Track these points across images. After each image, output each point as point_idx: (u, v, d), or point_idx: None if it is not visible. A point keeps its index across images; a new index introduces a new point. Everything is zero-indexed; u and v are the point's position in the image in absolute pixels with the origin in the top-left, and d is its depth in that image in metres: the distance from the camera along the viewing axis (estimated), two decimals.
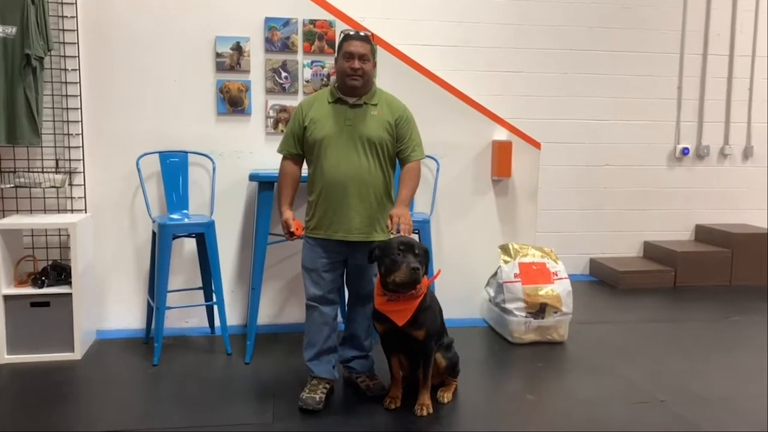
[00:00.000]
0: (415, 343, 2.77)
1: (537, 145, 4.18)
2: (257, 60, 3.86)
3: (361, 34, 2.85)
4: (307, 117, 2.87)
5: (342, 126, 2.82)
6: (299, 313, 3.83)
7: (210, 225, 3.53)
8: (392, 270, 2.61)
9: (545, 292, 3.72)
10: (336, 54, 2.88)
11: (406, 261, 2.58)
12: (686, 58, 5.37)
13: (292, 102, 3.89)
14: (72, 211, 3.72)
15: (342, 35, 2.87)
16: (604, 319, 4.26)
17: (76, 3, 3.61)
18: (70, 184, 3.70)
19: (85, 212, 3.72)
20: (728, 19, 5.41)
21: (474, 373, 3.30)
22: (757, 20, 5.44)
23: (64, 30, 3.60)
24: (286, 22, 3.86)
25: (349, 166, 2.80)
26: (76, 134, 3.68)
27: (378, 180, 2.85)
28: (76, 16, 3.62)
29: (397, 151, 2.92)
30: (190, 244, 3.83)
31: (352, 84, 2.80)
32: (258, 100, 3.88)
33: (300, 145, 2.91)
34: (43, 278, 3.40)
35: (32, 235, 3.69)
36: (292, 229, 2.84)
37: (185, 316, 3.88)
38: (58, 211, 3.71)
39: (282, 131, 3.78)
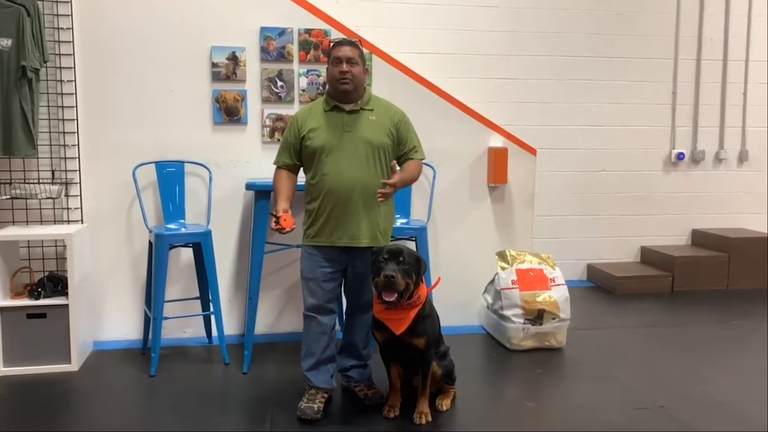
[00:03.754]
0: (415, 351, 2.77)
1: (533, 151, 4.20)
2: (253, 69, 3.87)
3: (350, 40, 2.89)
4: (305, 127, 2.87)
5: (341, 132, 2.83)
6: (297, 322, 3.82)
7: (207, 234, 3.53)
8: (374, 277, 2.67)
9: (543, 298, 3.73)
10: (327, 63, 2.90)
11: (386, 268, 2.61)
12: (680, 63, 5.40)
13: (288, 111, 3.90)
14: (68, 221, 3.71)
15: (331, 44, 2.91)
16: (602, 325, 4.26)
17: (71, 15, 3.61)
18: (66, 195, 3.69)
19: (82, 223, 3.71)
20: (721, 24, 5.44)
21: (472, 380, 3.30)
22: (750, 25, 5.47)
23: (60, 41, 3.61)
24: (282, 32, 3.88)
25: (352, 171, 2.80)
26: (72, 145, 3.68)
27: (379, 184, 2.84)
28: (72, 28, 3.63)
29: (399, 155, 2.94)
30: (186, 254, 3.83)
31: (343, 88, 2.81)
32: (254, 109, 3.89)
33: (297, 156, 2.92)
34: (40, 290, 3.39)
35: (28, 247, 3.68)
36: (279, 215, 2.70)
37: (182, 326, 3.87)
38: (55, 222, 3.70)
39: (278, 140, 3.79)
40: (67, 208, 3.71)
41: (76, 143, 3.69)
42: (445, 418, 2.87)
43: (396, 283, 2.60)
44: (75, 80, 3.66)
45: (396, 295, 2.63)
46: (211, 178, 3.82)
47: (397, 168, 2.89)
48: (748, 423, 2.82)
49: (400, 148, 2.93)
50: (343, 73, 2.78)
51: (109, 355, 3.64)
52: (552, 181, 5.25)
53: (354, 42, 2.88)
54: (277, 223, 2.71)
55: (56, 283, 3.46)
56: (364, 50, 2.96)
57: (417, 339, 2.74)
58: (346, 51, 2.81)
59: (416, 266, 2.71)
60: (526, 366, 3.51)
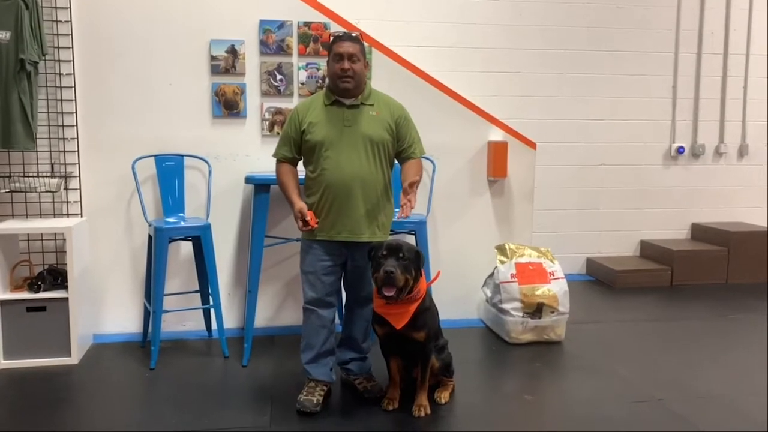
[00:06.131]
0: (415, 345, 2.78)
1: (532, 145, 4.19)
2: (252, 63, 3.86)
3: (351, 34, 2.85)
4: (305, 120, 2.86)
5: (341, 128, 2.82)
6: (296, 316, 3.82)
7: (206, 228, 3.53)
8: (374, 272, 2.69)
9: (542, 291, 3.73)
10: (328, 57, 2.88)
11: (386, 264, 2.62)
12: (681, 57, 5.39)
13: (287, 104, 3.89)
14: (68, 215, 3.71)
15: (331, 37, 2.88)
16: (601, 319, 4.26)
17: (70, 7, 3.60)
18: (66, 189, 3.69)
19: (81, 216, 3.71)
20: (722, 17, 5.42)
21: (471, 373, 3.31)
22: (751, 19, 5.45)
23: (58, 34, 3.60)
24: (281, 25, 3.87)
25: (352, 166, 2.80)
26: (71, 138, 3.68)
27: (379, 179, 2.86)
28: (71, 21, 3.61)
29: (398, 151, 2.94)
30: (186, 248, 3.83)
31: (344, 86, 2.80)
32: (253, 102, 3.88)
33: (296, 149, 2.92)
34: (39, 283, 3.39)
35: (28, 240, 3.68)
36: (307, 218, 2.75)
37: (182, 319, 3.87)
38: (54, 215, 3.70)
39: (278, 133, 3.78)
40: (67, 202, 3.71)
41: (76, 137, 3.68)
42: (444, 410, 2.88)
43: (396, 278, 2.61)
44: (74, 73, 3.65)
45: (395, 290, 2.63)
46: (210, 172, 3.82)
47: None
48: (746, 417, 2.83)
49: (400, 144, 2.93)
50: (344, 71, 2.77)
51: (109, 348, 3.65)
52: (552, 175, 5.24)
53: (355, 36, 2.85)
54: (305, 224, 2.75)
55: (56, 277, 3.46)
56: (365, 44, 2.94)
57: (417, 333, 2.75)
58: (347, 47, 2.78)
59: (416, 261, 2.72)
60: (525, 359, 3.52)
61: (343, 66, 2.77)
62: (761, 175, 5.63)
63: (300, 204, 2.80)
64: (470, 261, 4.12)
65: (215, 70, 3.82)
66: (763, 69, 5.52)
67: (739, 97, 5.52)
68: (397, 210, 3.64)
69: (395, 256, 2.65)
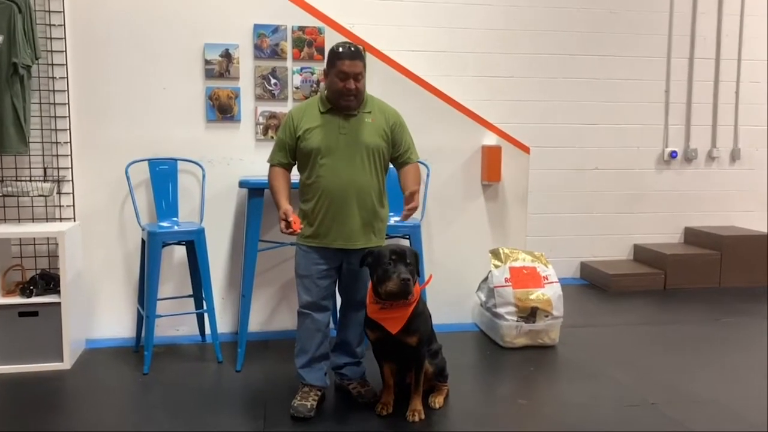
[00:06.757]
0: (408, 349, 2.78)
1: (526, 149, 4.20)
2: (246, 67, 3.86)
3: (353, 49, 2.78)
4: (300, 126, 2.85)
5: (337, 135, 2.82)
6: (290, 320, 3.82)
7: (200, 232, 3.52)
8: (383, 280, 2.64)
9: (536, 296, 3.73)
10: (327, 68, 2.84)
11: (397, 271, 2.60)
12: (673, 62, 5.42)
13: (281, 108, 3.89)
14: (60, 219, 3.70)
15: (333, 51, 2.80)
16: (595, 323, 4.27)
17: (63, 11, 3.59)
18: (59, 193, 3.68)
19: (74, 220, 3.70)
20: (714, 23, 5.46)
21: (465, 377, 3.30)
22: (743, 24, 5.49)
23: (51, 38, 3.59)
24: (275, 29, 3.87)
25: (348, 173, 2.80)
26: (64, 142, 3.67)
27: (374, 186, 2.86)
28: (64, 25, 3.61)
29: (394, 156, 2.94)
30: (180, 252, 3.82)
31: (347, 104, 2.80)
32: (247, 106, 3.88)
33: (292, 155, 2.91)
34: (32, 287, 3.37)
35: (20, 244, 3.66)
36: (290, 220, 2.72)
37: (175, 324, 3.86)
38: (47, 219, 3.69)
39: (272, 138, 3.78)
40: (60, 206, 3.70)
41: (69, 140, 3.67)
42: (438, 415, 2.87)
43: (411, 285, 2.60)
44: (67, 77, 3.64)
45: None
46: (204, 176, 3.81)
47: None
48: (739, 420, 2.84)
49: (395, 150, 2.93)
50: (349, 90, 2.75)
51: (101, 353, 3.63)
52: (545, 179, 5.26)
53: (359, 52, 2.79)
54: (288, 226, 2.73)
55: (48, 281, 3.44)
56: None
57: (410, 337, 2.74)
58: (353, 67, 2.73)
59: (417, 265, 2.72)
60: (519, 364, 3.52)
61: (349, 86, 2.74)
62: (753, 179, 5.66)
63: (286, 206, 2.78)
64: (464, 265, 4.12)
65: (209, 74, 3.81)
66: (755, 74, 5.55)
67: (731, 101, 5.55)
68: (391, 214, 3.65)
69: (404, 263, 2.63)
